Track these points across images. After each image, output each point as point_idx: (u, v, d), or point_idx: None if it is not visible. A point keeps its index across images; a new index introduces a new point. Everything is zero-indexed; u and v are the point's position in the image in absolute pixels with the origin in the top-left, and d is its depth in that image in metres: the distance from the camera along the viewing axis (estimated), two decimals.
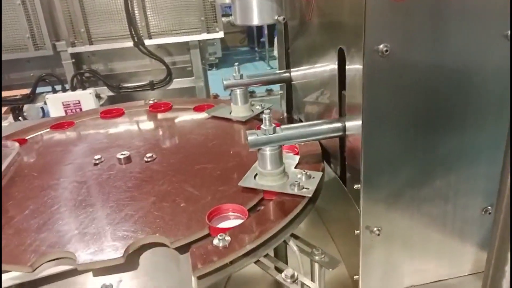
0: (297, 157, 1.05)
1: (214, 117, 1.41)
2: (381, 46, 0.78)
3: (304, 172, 0.96)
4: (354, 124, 0.89)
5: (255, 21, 0.80)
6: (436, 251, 0.98)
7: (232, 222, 0.84)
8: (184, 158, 1.13)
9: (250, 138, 0.92)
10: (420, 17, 0.78)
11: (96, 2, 2.68)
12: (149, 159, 1.12)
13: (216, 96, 3.49)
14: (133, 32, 2.69)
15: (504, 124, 0.88)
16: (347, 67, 0.89)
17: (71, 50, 2.75)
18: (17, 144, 1.23)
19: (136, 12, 2.70)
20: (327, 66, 1.03)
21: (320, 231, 1.21)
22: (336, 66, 0.97)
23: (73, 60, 2.81)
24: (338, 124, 0.98)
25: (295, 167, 1.02)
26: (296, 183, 0.91)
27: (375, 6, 0.76)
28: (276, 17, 0.80)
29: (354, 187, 0.91)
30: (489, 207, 0.95)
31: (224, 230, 0.78)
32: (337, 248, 1.12)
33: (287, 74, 1.41)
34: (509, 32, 0.81)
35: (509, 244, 0.71)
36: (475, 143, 0.90)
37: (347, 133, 0.95)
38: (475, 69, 0.84)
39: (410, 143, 0.87)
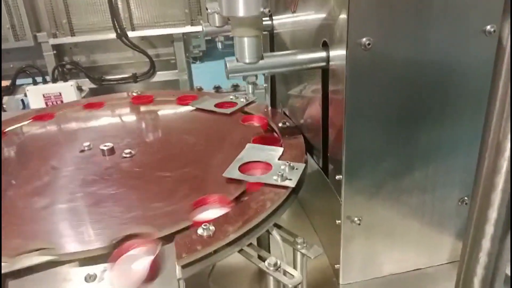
0: (281, 149, 1.06)
1: (198, 109, 1.41)
2: (364, 39, 0.79)
3: (287, 164, 0.97)
4: (338, 54, 0.87)
5: (241, 12, 0.80)
6: (415, 241, 1.01)
7: (216, 213, 0.85)
8: (165, 155, 1.13)
9: (229, 65, 0.91)
10: (402, 11, 0.80)
11: None
12: (127, 155, 1.10)
13: (200, 89, 3.48)
14: (116, 24, 2.65)
15: (481, 119, 0.91)
16: (330, 60, 0.91)
17: (52, 41, 2.71)
18: None
19: (119, 3, 2.67)
20: (311, 59, 1.04)
21: (302, 221, 1.23)
22: (321, 59, 0.98)
23: (55, 52, 2.77)
24: (322, 54, 0.94)
25: (279, 159, 1.03)
26: (280, 174, 0.92)
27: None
28: (261, 9, 0.80)
29: (336, 177, 0.93)
30: (465, 198, 0.98)
31: (208, 221, 0.79)
32: (319, 238, 1.14)
33: None
34: (488, 27, 0.83)
35: (484, 232, 0.74)
36: (453, 137, 0.92)
37: (330, 63, 0.93)
38: (454, 65, 0.86)
39: (391, 135, 0.89)
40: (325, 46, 0.93)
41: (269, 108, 1.42)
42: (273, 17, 1.33)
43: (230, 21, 0.88)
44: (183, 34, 2.85)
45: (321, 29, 0.95)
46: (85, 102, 1.52)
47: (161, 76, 2.95)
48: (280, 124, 1.22)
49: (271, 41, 1.40)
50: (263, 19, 1.33)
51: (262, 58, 0.91)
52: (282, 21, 1.27)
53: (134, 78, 2.87)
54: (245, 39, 0.87)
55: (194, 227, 0.78)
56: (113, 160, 1.09)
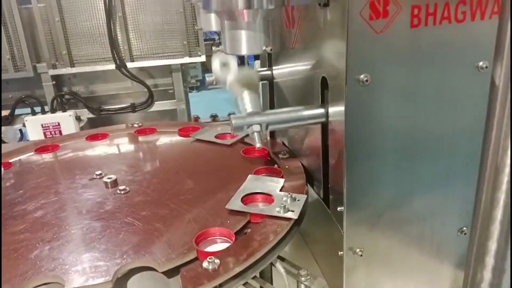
0: (282, 180, 1.08)
1: (198, 140, 1.43)
2: (362, 76, 0.83)
3: (289, 195, 0.99)
4: (337, 110, 0.92)
5: (244, 51, 0.84)
6: (415, 270, 1.02)
7: (219, 246, 0.86)
8: (165, 186, 1.14)
9: (234, 121, 0.95)
10: (397, 48, 0.83)
11: (78, 25, 2.69)
12: (122, 191, 1.10)
13: (197, 119, 3.50)
14: (115, 55, 2.70)
15: (477, 150, 0.94)
16: (329, 94, 0.94)
17: (52, 72, 2.74)
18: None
19: (118, 35, 2.73)
20: (311, 94, 1.08)
21: (303, 252, 1.23)
22: (319, 94, 1.01)
23: (54, 82, 2.80)
24: (321, 110, 1.00)
25: (280, 190, 1.04)
26: (282, 205, 0.94)
27: (358, 37, 0.81)
28: (264, 48, 0.84)
29: (338, 209, 0.94)
30: (464, 228, 0.99)
31: (212, 254, 0.80)
32: (320, 269, 1.15)
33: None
34: (481, 63, 0.87)
35: (484, 263, 0.76)
36: (450, 168, 0.95)
37: (330, 119, 0.98)
38: (449, 99, 0.90)
39: (391, 166, 0.92)
40: (324, 82, 0.96)
41: (269, 138, 1.44)
42: (273, 67, 1.39)
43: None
44: (181, 64, 2.90)
45: (320, 64, 0.98)
46: (86, 135, 1.53)
47: (159, 105, 2.98)
48: (280, 155, 1.24)
49: (271, 90, 1.45)
50: (262, 69, 1.41)
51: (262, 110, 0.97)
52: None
53: (133, 108, 2.90)
54: (245, 92, 0.93)
55: (199, 260, 0.79)
56: (115, 193, 1.10)
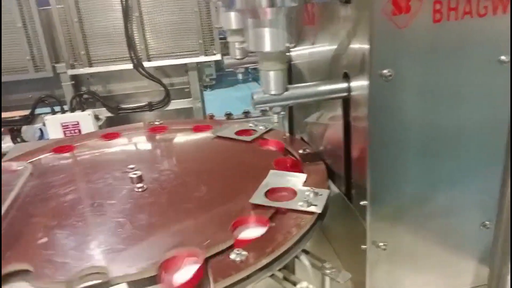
0: (304, 175, 1.09)
1: (218, 137, 1.45)
2: (385, 71, 0.84)
3: (311, 190, 1.00)
4: (360, 84, 0.91)
5: (267, 48, 0.86)
6: (438, 265, 1.02)
7: (254, 231, 0.88)
8: (190, 183, 1.16)
9: (255, 96, 0.96)
10: (420, 43, 0.84)
11: (96, 25, 2.74)
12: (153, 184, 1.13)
13: (212, 117, 3.54)
14: (132, 55, 2.74)
15: (500, 145, 0.94)
16: (352, 91, 0.95)
17: (70, 72, 2.80)
18: (29, 165, 1.25)
19: (135, 34, 2.77)
20: (332, 90, 1.09)
21: (324, 247, 1.25)
22: (342, 90, 1.02)
23: (73, 82, 2.85)
24: (344, 85, 0.98)
25: (302, 185, 1.06)
26: (305, 200, 0.95)
27: (381, 32, 0.82)
28: (287, 44, 0.85)
29: (361, 203, 0.95)
30: (487, 222, 0.99)
31: (249, 242, 0.82)
32: (342, 263, 1.16)
33: None
34: (503, 57, 0.88)
35: (509, 256, 0.76)
36: (473, 162, 0.95)
37: (352, 93, 0.97)
38: (471, 94, 0.90)
39: (413, 162, 0.92)
40: (346, 77, 0.97)
41: (287, 134, 1.46)
42: (291, 49, 1.39)
43: (256, 55, 0.92)
44: (197, 63, 2.93)
45: (341, 60, 1.00)
46: (103, 132, 1.56)
47: (175, 104, 3.02)
48: (300, 151, 1.26)
49: (289, 72, 1.45)
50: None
51: (286, 89, 0.95)
52: (300, 52, 1.32)
53: (150, 107, 2.94)
54: (271, 73, 0.92)
55: (236, 246, 0.81)
56: (146, 188, 1.12)
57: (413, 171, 0.93)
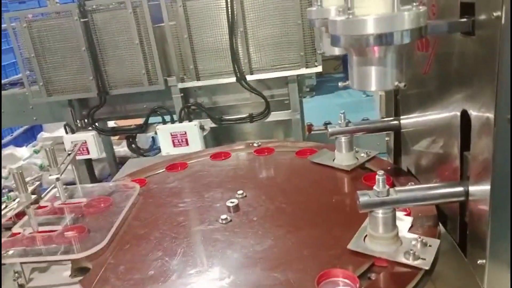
0: (410, 219, 1.00)
1: (316, 163, 1.41)
2: None
3: (419, 239, 0.90)
4: (480, 189, 0.82)
5: (373, 87, 0.79)
6: None
7: None
8: (280, 214, 1.14)
9: (361, 199, 0.90)
10: None
11: (204, 41, 2.86)
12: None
13: (310, 126, 3.49)
14: (236, 69, 2.81)
15: None
16: (472, 131, 0.84)
17: (180, 85, 2.96)
18: (138, 185, 1.34)
19: (239, 49, 2.83)
20: (446, 123, 0.97)
21: None
22: (458, 126, 0.91)
23: (182, 94, 3.02)
24: (460, 189, 0.91)
25: (408, 230, 0.96)
26: (411, 251, 0.86)
27: (509, 72, 0.70)
28: (396, 83, 0.78)
29: (478, 262, 0.83)
30: None
31: None
32: None
33: (396, 122, 1.36)
34: None
35: None
36: None
37: (470, 198, 0.89)
38: None
39: None
40: (465, 115, 0.86)
41: (392, 165, 1.36)
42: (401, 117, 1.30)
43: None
44: (297, 75, 2.91)
45: (460, 96, 0.88)
46: (210, 153, 1.61)
47: (274, 116, 3.03)
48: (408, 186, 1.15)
49: (397, 141, 1.36)
50: (388, 119, 1.35)
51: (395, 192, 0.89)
52: (413, 77, 1.22)
53: (251, 118, 2.99)
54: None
55: None
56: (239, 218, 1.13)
57: None
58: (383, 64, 0.77)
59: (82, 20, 2.82)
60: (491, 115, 0.74)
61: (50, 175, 1.17)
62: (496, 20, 0.70)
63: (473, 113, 0.82)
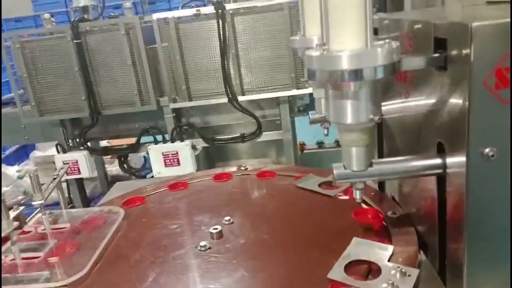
0: (391, 248, 1.00)
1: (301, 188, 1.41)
2: (487, 149, 0.73)
3: (398, 269, 0.91)
4: (457, 161, 0.81)
5: (348, 120, 0.80)
6: None
7: None
8: (260, 242, 1.14)
9: (336, 171, 0.89)
10: None
11: (196, 62, 2.89)
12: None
13: (303, 146, 3.51)
14: (228, 89, 2.84)
15: None
16: (447, 164, 0.85)
17: (172, 105, 2.98)
18: (122, 210, 1.34)
19: (231, 70, 2.86)
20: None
21: None
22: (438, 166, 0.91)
23: (174, 114, 3.03)
24: (438, 160, 0.88)
25: (389, 260, 0.97)
26: (390, 282, 0.87)
27: (480, 108, 0.72)
28: (370, 116, 0.79)
29: None
30: None
31: None
32: None
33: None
34: None
35: None
36: None
37: (448, 171, 0.86)
38: None
39: None
40: (441, 148, 0.87)
41: (377, 191, 1.36)
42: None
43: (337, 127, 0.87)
44: (289, 96, 2.93)
45: (435, 127, 0.90)
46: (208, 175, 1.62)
47: (266, 136, 3.04)
48: (389, 213, 1.16)
49: (379, 127, 1.37)
50: None
51: (371, 165, 0.88)
52: (391, 107, 1.24)
53: (242, 138, 3.01)
54: (353, 149, 0.86)
55: None
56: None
57: None
58: (358, 98, 0.79)
59: (75, 41, 2.85)
60: (464, 150, 0.75)
61: (33, 201, 1.17)
62: (465, 57, 0.72)
63: (448, 148, 0.84)
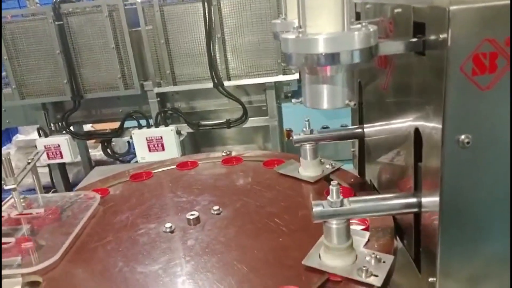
0: (367, 234, 1.00)
1: (282, 175, 1.40)
2: (463, 136, 0.72)
3: (373, 255, 0.90)
4: (431, 201, 0.82)
5: (325, 105, 0.79)
6: None
7: None
8: (239, 228, 1.13)
9: (315, 209, 0.89)
10: (506, 107, 0.71)
11: (181, 46, 2.84)
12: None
13: (289, 132, 3.50)
14: (213, 74, 2.80)
15: None
16: (424, 150, 0.84)
17: (157, 90, 2.94)
18: (98, 196, 1.31)
19: (217, 55, 2.82)
20: (403, 138, 0.98)
21: None
22: (412, 142, 0.91)
23: (158, 99, 2.99)
24: (413, 200, 0.91)
25: (365, 245, 0.97)
26: (364, 268, 0.87)
27: (456, 94, 0.71)
28: (346, 102, 0.78)
29: (429, 280, 0.84)
30: None
31: None
32: None
33: (360, 130, 1.36)
34: None
35: None
36: None
37: (423, 210, 0.88)
38: None
39: (494, 237, 0.79)
40: (417, 134, 0.86)
41: (357, 177, 1.36)
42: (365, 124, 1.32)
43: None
44: (275, 82, 2.91)
45: (413, 115, 0.89)
46: (176, 162, 1.59)
47: (252, 122, 3.02)
48: None
49: (361, 148, 1.37)
50: (353, 127, 1.36)
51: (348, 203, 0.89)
52: (372, 93, 1.23)
53: (228, 124, 2.98)
54: None
55: None
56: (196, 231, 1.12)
57: (492, 247, 0.79)
58: (334, 83, 0.77)
59: (57, 23, 2.78)
60: (439, 136, 0.74)
61: (6, 186, 1.14)
62: (443, 42, 0.70)
63: (424, 131, 0.83)
